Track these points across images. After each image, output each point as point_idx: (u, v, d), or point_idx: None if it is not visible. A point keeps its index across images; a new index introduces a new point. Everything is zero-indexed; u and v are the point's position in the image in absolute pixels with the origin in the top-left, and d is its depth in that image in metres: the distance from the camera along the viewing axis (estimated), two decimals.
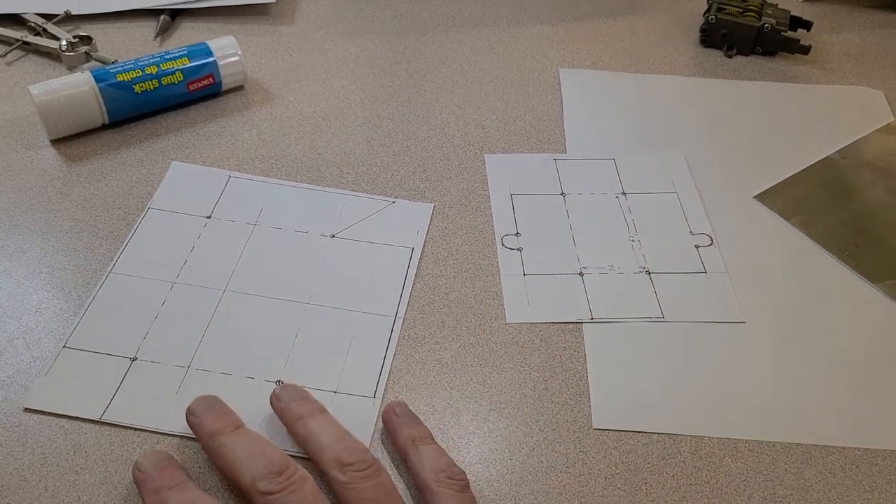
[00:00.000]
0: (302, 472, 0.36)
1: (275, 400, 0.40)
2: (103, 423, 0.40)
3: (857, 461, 0.41)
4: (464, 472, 0.37)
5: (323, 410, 0.40)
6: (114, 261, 0.48)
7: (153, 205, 0.51)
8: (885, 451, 0.41)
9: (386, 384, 0.43)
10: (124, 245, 0.49)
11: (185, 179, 0.53)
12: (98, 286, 0.46)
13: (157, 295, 0.46)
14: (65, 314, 0.45)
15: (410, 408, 0.41)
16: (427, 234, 0.51)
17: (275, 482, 0.35)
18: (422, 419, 0.41)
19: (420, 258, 0.50)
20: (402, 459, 0.39)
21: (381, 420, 0.41)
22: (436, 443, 0.39)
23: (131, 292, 0.46)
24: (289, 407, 0.40)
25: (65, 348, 0.43)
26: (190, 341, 0.44)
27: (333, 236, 0.51)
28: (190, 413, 0.39)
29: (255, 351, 0.44)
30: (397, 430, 0.40)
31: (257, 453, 0.36)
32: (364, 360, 0.44)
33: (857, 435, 0.42)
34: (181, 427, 0.40)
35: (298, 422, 0.39)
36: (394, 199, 0.53)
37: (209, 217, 0.51)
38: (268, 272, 0.48)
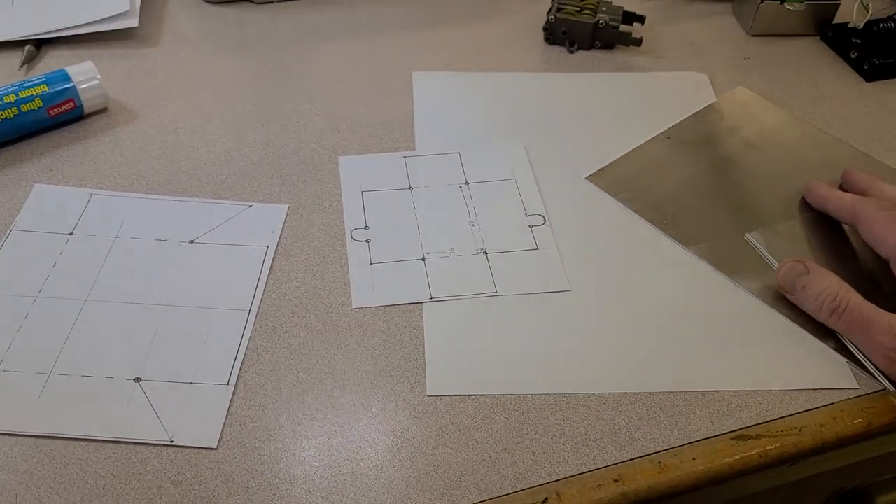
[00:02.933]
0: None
1: None
2: None
3: (661, 404, 0.46)
4: None
5: None
6: None
7: (15, 226, 0.54)
8: (685, 392, 0.46)
9: (239, 371, 0.46)
10: None
11: (47, 201, 0.56)
12: None
13: (20, 309, 0.49)
14: None
15: (259, 392, 0.45)
16: (281, 233, 0.55)
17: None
18: (268, 401, 0.45)
19: (274, 256, 0.53)
20: None
21: (233, 404, 0.45)
22: None
23: None
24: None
25: None
26: (52, 349, 0.47)
27: (192, 242, 0.54)
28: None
29: (114, 353, 0.47)
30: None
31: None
32: (219, 352, 0.47)
33: (663, 381, 0.47)
34: (43, 429, 0.43)
35: None
36: (251, 204, 0.57)
37: (71, 234, 0.54)
38: (128, 280, 0.51)
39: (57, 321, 0.49)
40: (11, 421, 0.43)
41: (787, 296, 0.51)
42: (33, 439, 0.43)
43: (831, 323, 0.49)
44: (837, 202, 0.54)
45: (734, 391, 0.47)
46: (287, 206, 0.57)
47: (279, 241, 0.54)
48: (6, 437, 0.43)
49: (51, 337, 0.48)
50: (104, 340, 0.48)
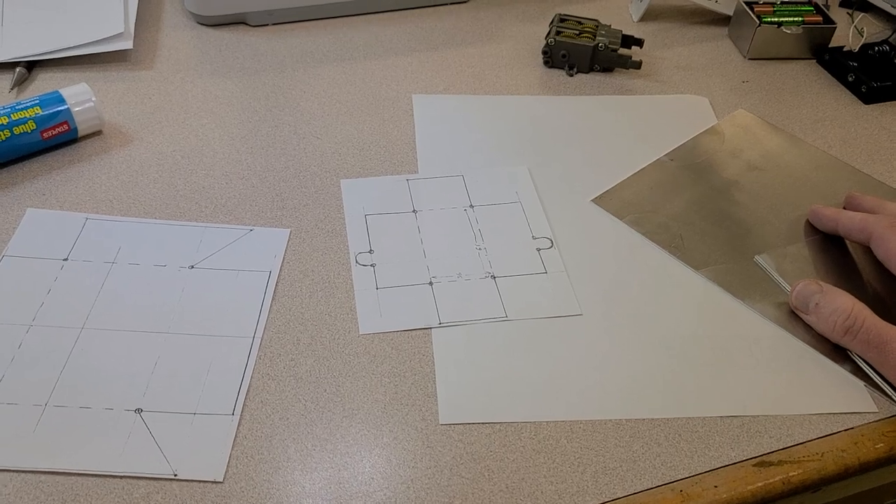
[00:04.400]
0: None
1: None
2: None
3: (680, 430, 0.45)
4: None
5: None
6: None
7: (7, 252, 0.52)
8: (703, 418, 0.45)
9: (244, 401, 0.45)
10: None
11: (40, 226, 0.54)
12: None
13: (14, 338, 0.47)
14: None
15: (265, 423, 0.43)
16: (284, 257, 0.53)
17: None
18: (275, 431, 0.43)
19: (277, 281, 0.52)
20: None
21: (238, 435, 0.43)
22: None
23: None
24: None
25: None
26: (47, 380, 0.45)
27: (192, 267, 0.52)
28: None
29: (113, 383, 0.45)
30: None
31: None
32: (222, 381, 0.46)
33: (680, 407, 0.46)
34: (39, 464, 0.41)
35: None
36: (251, 228, 0.55)
37: (66, 259, 0.52)
38: (127, 307, 0.49)
39: (52, 350, 0.47)
40: (6, 455, 0.41)
41: (802, 315, 0.50)
42: (30, 475, 0.41)
43: (846, 342, 0.48)
44: (848, 222, 0.54)
45: (752, 416, 0.46)
46: (289, 230, 0.55)
47: (282, 266, 0.53)
48: (0, 472, 0.41)
49: (46, 367, 0.46)
50: (103, 370, 0.46)
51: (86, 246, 0.53)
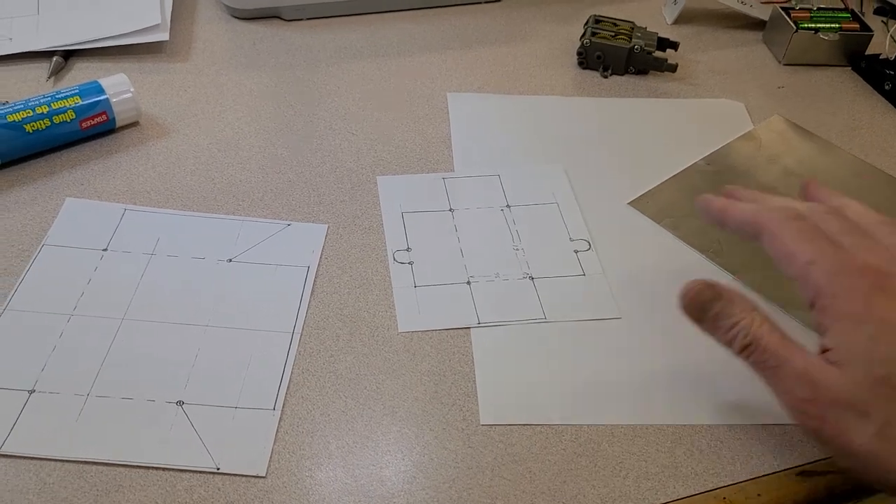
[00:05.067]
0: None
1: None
2: (3, 455, 0.41)
3: (722, 437, 0.45)
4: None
5: None
6: (8, 298, 0.48)
7: (48, 241, 0.52)
8: (745, 425, 0.45)
9: (285, 397, 0.45)
10: (18, 282, 0.49)
11: (79, 215, 0.54)
12: None
13: (54, 328, 0.47)
14: None
15: (306, 418, 0.43)
16: (322, 253, 0.53)
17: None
18: (316, 427, 0.43)
19: (315, 277, 0.52)
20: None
21: (280, 430, 0.43)
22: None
23: (27, 327, 0.47)
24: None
25: None
26: (89, 370, 0.45)
27: (230, 260, 0.52)
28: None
29: (155, 374, 0.45)
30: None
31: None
32: (263, 376, 0.46)
33: (721, 413, 0.46)
34: (82, 454, 0.41)
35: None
36: (289, 223, 0.55)
37: (105, 250, 0.52)
38: (166, 299, 0.49)
39: (93, 340, 0.47)
40: (49, 445, 0.41)
41: (695, 323, 0.43)
42: (73, 464, 0.41)
43: (742, 359, 0.41)
44: (738, 214, 0.45)
45: (794, 424, 0.45)
46: (327, 225, 0.55)
47: (319, 262, 0.53)
48: (44, 461, 0.41)
49: (87, 357, 0.46)
50: (144, 361, 0.46)
51: (125, 236, 0.53)
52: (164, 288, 0.50)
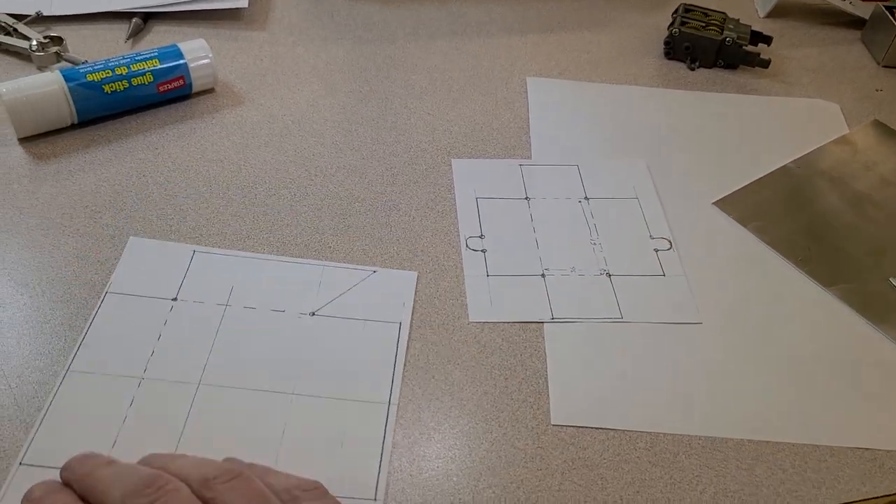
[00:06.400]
0: (176, 482, 0.31)
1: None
2: None
3: (806, 457, 0.42)
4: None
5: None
6: (71, 356, 0.43)
7: (111, 289, 0.46)
8: (832, 447, 0.43)
9: (387, 482, 0.39)
10: (82, 337, 0.44)
11: (145, 257, 0.49)
12: (54, 389, 0.41)
13: (124, 394, 0.41)
14: (15, 421, 0.40)
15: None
16: (413, 305, 0.48)
17: (144, 494, 0.30)
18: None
19: (409, 333, 0.46)
20: None
21: None
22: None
23: (93, 393, 0.41)
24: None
25: (21, 465, 0.38)
26: (165, 446, 0.40)
27: (314, 314, 0.47)
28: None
29: (240, 453, 0.37)
30: None
31: (126, 474, 0.32)
32: (360, 455, 0.40)
33: (806, 432, 0.43)
34: None
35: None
36: (375, 269, 0.50)
37: (174, 299, 0.46)
38: (245, 360, 0.44)
39: (169, 409, 0.41)
40: None
41: None
42: None
43: None
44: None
45: (886, 451, 0.43)
46: (416, 273, 0.49)
47: (412, 312, 0.47)
48: None
49: (163, 429, 0.40)
50: (226, 437, 0.40)
51: (195, 283, 0.47)
52: (242, 346, 0.44)
